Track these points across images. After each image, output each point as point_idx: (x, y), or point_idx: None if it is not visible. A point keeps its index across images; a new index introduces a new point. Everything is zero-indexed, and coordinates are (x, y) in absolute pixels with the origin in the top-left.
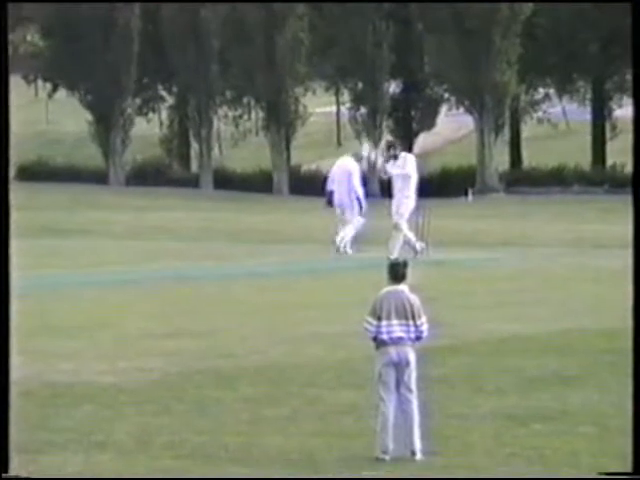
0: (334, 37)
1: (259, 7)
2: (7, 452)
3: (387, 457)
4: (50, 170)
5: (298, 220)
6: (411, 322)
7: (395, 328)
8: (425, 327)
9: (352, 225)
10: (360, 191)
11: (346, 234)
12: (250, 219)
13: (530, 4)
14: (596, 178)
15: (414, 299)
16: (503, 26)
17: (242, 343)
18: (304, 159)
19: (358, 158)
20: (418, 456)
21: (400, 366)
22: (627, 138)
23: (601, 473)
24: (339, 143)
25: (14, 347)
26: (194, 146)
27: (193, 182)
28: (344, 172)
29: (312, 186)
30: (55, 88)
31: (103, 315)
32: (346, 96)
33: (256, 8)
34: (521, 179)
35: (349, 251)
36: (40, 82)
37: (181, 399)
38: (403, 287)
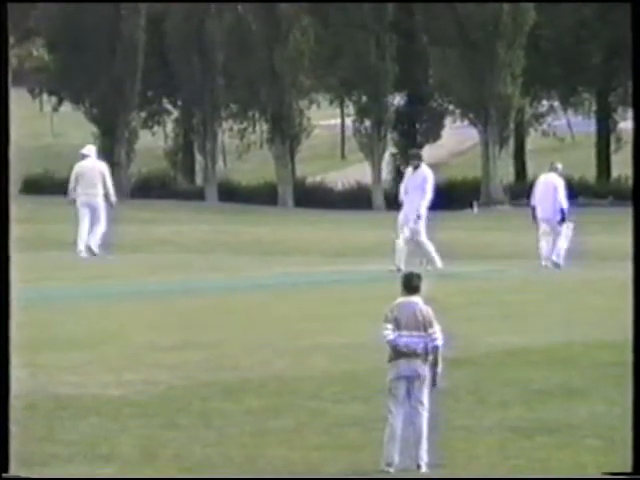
0: (338, 49)
1: (263, 19)
2: (7, 452)
3: (391, 469)
4: (56, 183)
5: (303, 232)
6: (423, 333)
7: (406, 340)
8: (438, 335)
9: (563, 236)
10: (565, 204)
11: (560, 247)
12: (255, 231)
13: (533, 15)
14: (601, 190)
15: (427, 310)
16: (507, 38)
17: (246, 355)
18: (308, 172)
19: (560, 173)
20: (423, 469)
21: (411, 378)
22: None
23: (605, 473)
24: (343, 156)
25: (19, 360)
26: (199, 159)
27: (198, 195)
28: (549, 187)
29: (317, 198)
30: (60, 101)
31: (108, 327)
32: (350, 109)
33: (260, 20)
34: (526, 191)
35: (561, 263)
36: (45, 95)
37: (186, 411)
38: (417, 299)
